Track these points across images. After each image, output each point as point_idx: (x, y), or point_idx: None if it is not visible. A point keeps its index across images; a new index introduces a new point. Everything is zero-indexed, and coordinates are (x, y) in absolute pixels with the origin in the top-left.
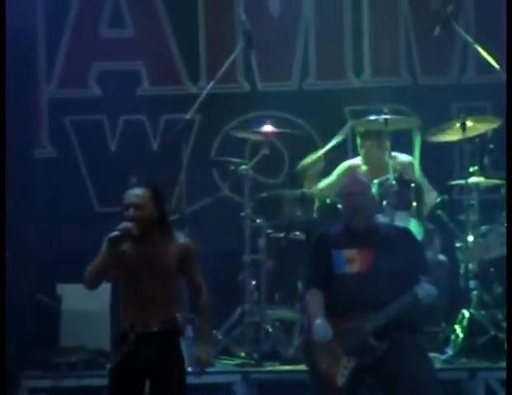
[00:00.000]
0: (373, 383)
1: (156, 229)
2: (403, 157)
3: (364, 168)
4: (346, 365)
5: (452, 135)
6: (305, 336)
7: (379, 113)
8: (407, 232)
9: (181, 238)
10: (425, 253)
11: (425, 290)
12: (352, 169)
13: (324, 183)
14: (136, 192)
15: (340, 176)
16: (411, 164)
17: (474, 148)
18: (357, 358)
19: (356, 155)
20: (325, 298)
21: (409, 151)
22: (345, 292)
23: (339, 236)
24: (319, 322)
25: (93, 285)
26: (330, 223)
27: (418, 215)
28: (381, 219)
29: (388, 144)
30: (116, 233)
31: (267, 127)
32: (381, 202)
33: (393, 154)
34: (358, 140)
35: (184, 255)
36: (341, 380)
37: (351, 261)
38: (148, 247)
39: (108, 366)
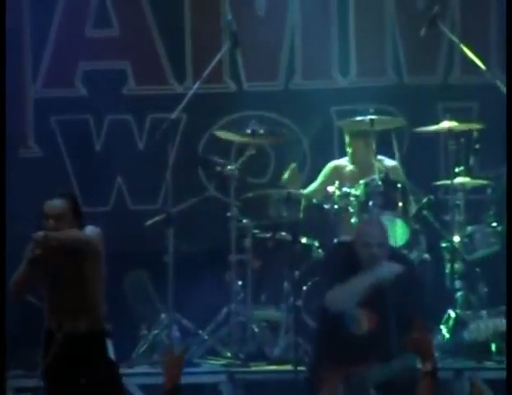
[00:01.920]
0: None
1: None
2: (389, 161)
3: (350, 168)
4: None
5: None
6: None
7: (365, 113)
8: (412, 279)
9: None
10: (425, 297)
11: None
12: (340, 171)
13: (312, 186)
14: (55, 203)
15: (327, 176)
16: (396, 168)
17: (460, 148)
18: None
19: (342, 155)
20: (332, 342)
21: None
22: (350, 345)
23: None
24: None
25: (17, 298)
26: (316, 224)
27: (404, 215)
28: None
29: (374, 144)
30: (37, 250)
31: (253, 128)
32: (367, 203)
33: (379, 157)
34: (346, 139)
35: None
36: None
37: (359, 321)
38: (67, 256)
39: (40, 368)
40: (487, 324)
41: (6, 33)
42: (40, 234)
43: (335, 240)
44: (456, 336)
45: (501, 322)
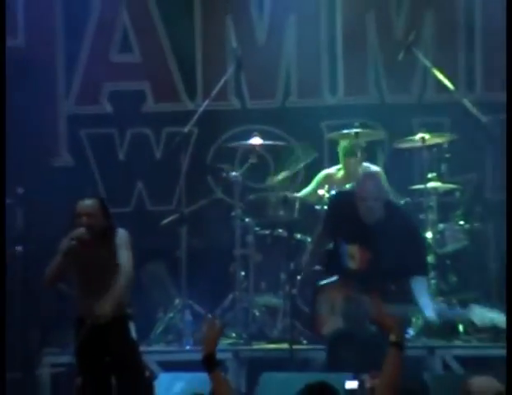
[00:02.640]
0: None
1: (104, 234)
2: (373, 167)
3: (339, 175)
4: (335, 322)
5: (414, 143)
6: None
7: (351, 127)
8: (412, 229)
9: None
10: (424, 252)
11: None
12: (330, 178)
13: (305, 191)
14: (87, 203)
15: (319, 182)
16: (380, 173)
17: (432, 157)
18: (347, 323)
19: (331, 163)
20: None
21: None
22: (349, 276)
23: (348, 224)
24: None
25: (51, 284)
26: (309, 222)
27: None
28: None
29: (359, 155)
30: (73, 242)
31: (255, 140)
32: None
33: (366, 164)
34: (340, 154)
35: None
36: (325, 330)
37: (351, 256)
38: (97, 249)
39: (73, 349)
40: (491, 316)
41: (5, 33)
42: (80, 230)
43: (335, 191)
44: (460, 312)
45: (502, 319)
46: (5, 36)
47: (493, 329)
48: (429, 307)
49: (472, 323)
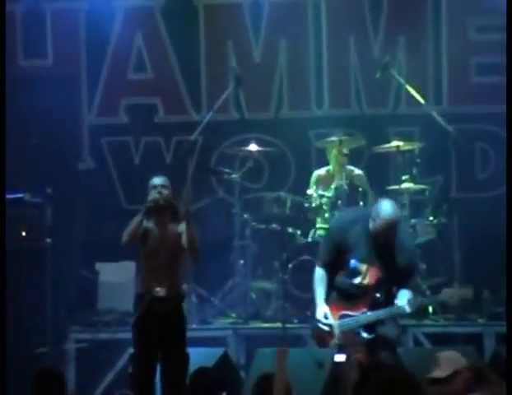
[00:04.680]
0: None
1: (170, 211)
2: (357, 170)
3: (327, 175)
4: (336, 342)
5: (389, 149)
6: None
7: (335, 135)
8: (411, 244)
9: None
10: (416, 265)
11: (406, 309)
12: (322, 178)
13: (308, 192)
14: (161, 177)
15: (315, 184)
16: (361, 176)
17: (405, 162)
18: (348, 340)
19: (318, 166)
20: (332, 282)
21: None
22: (350, 291)
23: (358, 242)
24: (324, 308)
25: (130, 240)
26: (299, 218)
27: None
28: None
29: (344, 159)
30: (151, 204)
31: (252, 146)
32: (337, 202)
33: (350, 167)
34: (329, 157)
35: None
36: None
37: (364, 275)
38: (164, 226)
39: (132, 321)
40: (459, 293)
41: (5, 34)
42: (156, 195)
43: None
44: (431, 297)
45: (468, 292)
46: (5, 36)
47: (463, 303)
48: (404, 298)
49: (445, 304)
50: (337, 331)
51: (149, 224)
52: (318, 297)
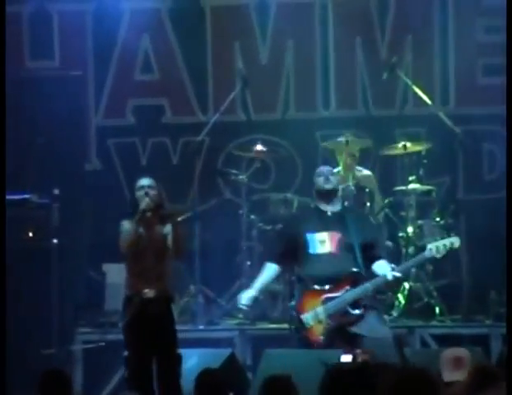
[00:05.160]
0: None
1: (157, 212)
2: (365, 171)
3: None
4: (326, 327)
5: (396, 151)
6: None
7: (342, 136)
8: (365, 216)
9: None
10: (381, 237)
11: (394, 274)
12: None
13: None
14: (148, 178)
15: None
16: (370, 176)
17: (412, 163)
18: (337, 320)
19: None
20: (301, 272)
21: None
22: (320, 268)
23: (313, 221)
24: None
25: (127, 249)
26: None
27: (370, 212)
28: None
29: (350, 160)
30: (143, 212)
31: (259, 147)
32: (343, 203)
33: (359, 168)
34: (337, 157)
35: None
36: (323, 338)
37: (322, 243)
38: (151, 228)
39: (120, 324)
40: (444, 243)
41: (5, 34)
42: (146, 200)
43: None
44: (417, 255)
45: (456, 240)
46: (5, 37)
47: (451, 251)
48: (386, 270)
49: (434, 259)
50: (323, 317)
51: (133, 224)
52: (255, 283)
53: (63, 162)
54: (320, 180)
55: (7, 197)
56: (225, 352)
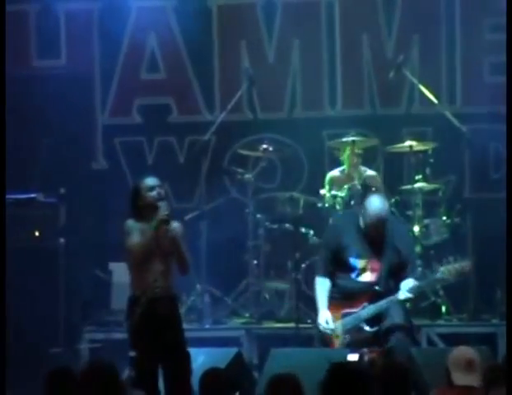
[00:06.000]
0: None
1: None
2: (370, 171)
3: (341, 176)
4: (343, 341)
5: (403, 150)
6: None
7: (348, 135)
8: (407, 234)
9: (174, 222)
10: (414, 254)
11: (405, 295)
12: (336, 179)
13: (322, 192)
14: (153, 178)
15: (328, 184)
16: (375, 176)
17: (418, 162)
18: (352, 336)
19: (331, 167)
20: (333, 287)
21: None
22: (350, 288)
23: (352, 241)
24: (325, 314)
25: (141, 252)
26: (312, 218)
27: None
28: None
29: (357, 160)
30: (164, 218)
31: (265, 146)
32: (350, 202)
33: (363, 168)
34: (343, 157)
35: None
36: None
37: (363, 270)
38: (160, 228)
39: (126, 325)
40: (456, 266)
41: (5, 34)
42: (166, 213)
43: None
44: (428, 277)
45: (467, 264)
46: (5, 37)
47: (463, 275)
48: (406, 286)
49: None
50: (340, 332)
51: (143, 225)
52: (319, 303)
53: (70, 161)
54: (373, 217)
55: (14, 196)
56: (231, 351)
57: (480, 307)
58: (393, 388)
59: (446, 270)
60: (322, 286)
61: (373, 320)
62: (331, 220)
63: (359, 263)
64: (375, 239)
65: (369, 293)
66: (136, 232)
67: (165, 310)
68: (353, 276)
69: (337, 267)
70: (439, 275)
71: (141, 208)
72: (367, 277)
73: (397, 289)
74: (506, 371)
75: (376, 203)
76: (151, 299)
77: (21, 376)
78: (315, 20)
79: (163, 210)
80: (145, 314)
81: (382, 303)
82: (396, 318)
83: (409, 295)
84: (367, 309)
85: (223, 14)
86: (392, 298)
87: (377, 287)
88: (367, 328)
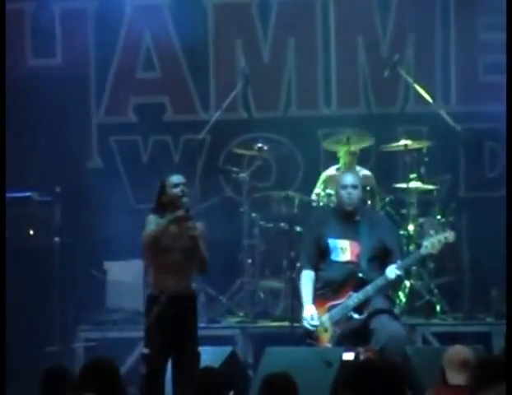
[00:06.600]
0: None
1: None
2: (364, 171)
3: (335, 175)
4: (333, 334)
5: (397, 148)
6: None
7: (343, 134)
8: (387, 221)
9: (197, 222)
10: (399, 239)
11: (394, 272)
12: (332, 178)
13: (315, 192)
14: (179, 175)
15: (323, 183)
16: (369, 176)
17: (413, 161)
18: (342, 327)
19: (325, 166)
20: (317, 282)
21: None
22: (336, 275)
23: (331, 224)
24: (310, 309)
25: (151, 242)
26: (307, 217)
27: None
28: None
29: (352, 159)
30: (183, 213)
31: (260, 145)
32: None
33: (358, 168)
34: (339, 156)
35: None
36: (330, 346)
37: (344, 250)
38: (179, 224)
39: (145, 323)
40: (439, 238)
41: (5, 34)
42: (184, 199)
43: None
44: (413, 253)
45: (450, 234)
46: (5, 37)
47: (446, 245)
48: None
49: (431, 255)
50: (328, 325)
51: (161, 219)
52: (304, 298)
53: (65, 160)
54: (344, 196)
55: (9, 195)
56: (226, 350)
57: (475, 306)
58: (388, 387)
59: (430, 243)
60: (306, 280)
61: (361, 307)
62: (312, 214)
63: (338, 243)
64: (351, 218)
65: (353, 281)
66: (151, 225)
67: (184, 310)
68: (334, 257)
69: (320, 257)
70: (423, 250)
71: (165, 204)
72: (347, 257)
73: (381, 275)
74: (506, 371)
75: (347, 173)
76: (170, 298)
77: (17, 375)
78: (310, 19)
79: (184, 207)
80: (163, 313)
81: (368, 288)
82: (379, 303)
83: (398, 272)
84: (354, 297)
85: (218, 13)
86: (377, 281)
87: (360, 274)
88: (356, 316)
